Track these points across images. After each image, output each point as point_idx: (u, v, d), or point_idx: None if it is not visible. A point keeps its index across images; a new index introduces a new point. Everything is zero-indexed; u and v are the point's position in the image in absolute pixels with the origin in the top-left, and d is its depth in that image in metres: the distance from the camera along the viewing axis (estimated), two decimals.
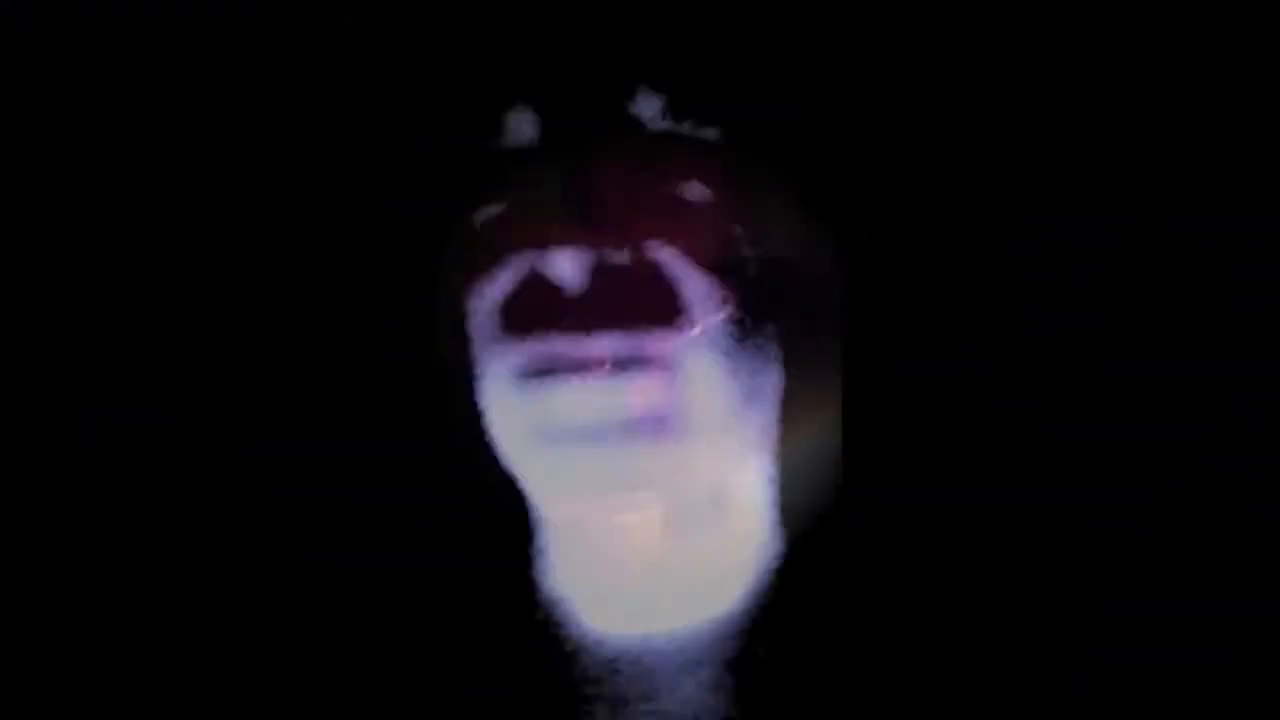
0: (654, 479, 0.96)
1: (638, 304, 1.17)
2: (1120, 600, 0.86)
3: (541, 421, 1.08)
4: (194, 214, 0.87)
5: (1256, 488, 0.85)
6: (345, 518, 0.88)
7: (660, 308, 1.11)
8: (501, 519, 0.93)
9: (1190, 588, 0.85)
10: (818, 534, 0.96)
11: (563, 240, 1.01)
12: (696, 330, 1.12)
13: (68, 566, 0.86)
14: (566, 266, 1.05)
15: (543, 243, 1.03)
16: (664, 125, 1.02)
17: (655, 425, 1.11)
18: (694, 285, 1.11)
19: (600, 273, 1.13)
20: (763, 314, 1.11)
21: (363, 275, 0.89)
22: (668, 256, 1.06)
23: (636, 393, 1.11)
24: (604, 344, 1.15)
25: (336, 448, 0.89)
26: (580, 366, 1.12)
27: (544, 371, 1.08)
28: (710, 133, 1.02)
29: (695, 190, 1.05)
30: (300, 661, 0.85)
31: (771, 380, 1.09)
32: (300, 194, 0.88)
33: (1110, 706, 0.85)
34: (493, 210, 1.05)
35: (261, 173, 0.87)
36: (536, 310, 1.04)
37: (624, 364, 1.12)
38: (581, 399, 1.06)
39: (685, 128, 1.03)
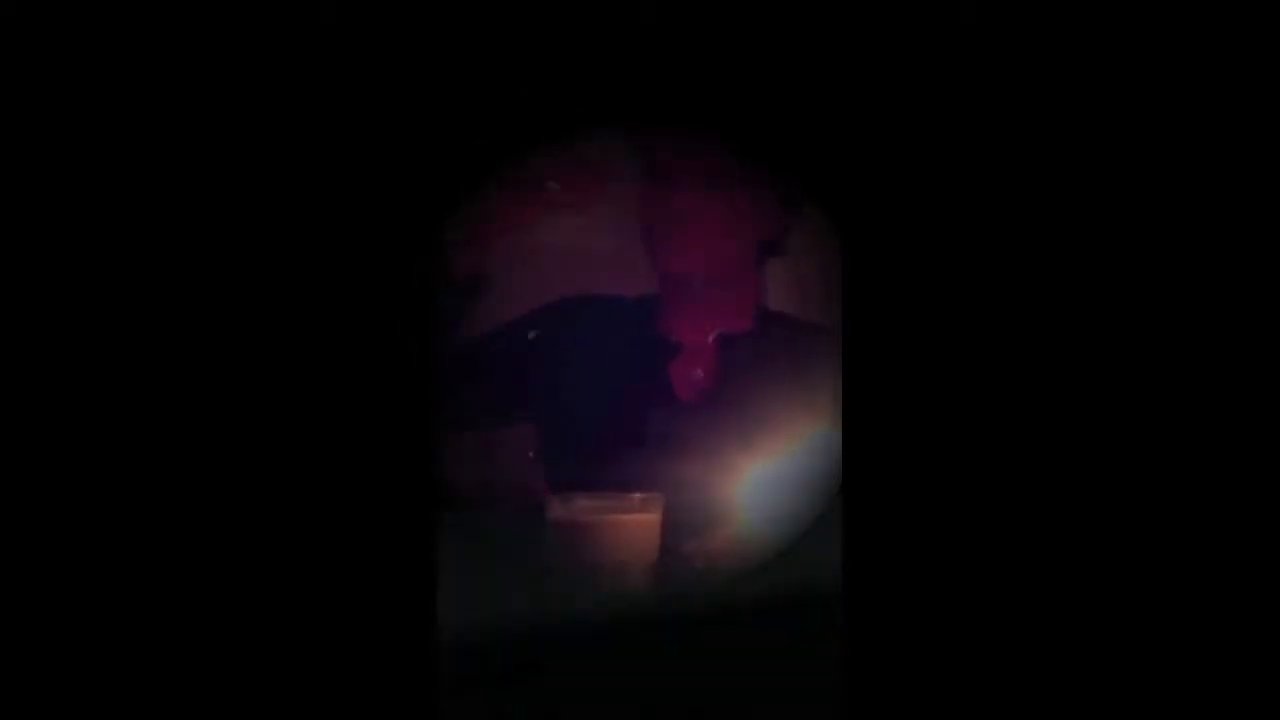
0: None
1: (660, 312, 1.19)
2: (1120, 599, 0.86)
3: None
4: (192, 213, 0.87)
5: (1256, 487, 0.85)
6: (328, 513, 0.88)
7: (681, 314, 1.14)
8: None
9: (1190, 587, 0.85)
10: (817, 534, 0.97)
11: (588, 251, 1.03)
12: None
13: (66, 565, 0.85)
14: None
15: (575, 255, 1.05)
16: (672, 133, 1.03)
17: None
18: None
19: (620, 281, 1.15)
20: (768, 317, 1.13)
21: (364, 276, 0.89)
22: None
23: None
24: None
25: (329, 445, 0.88)
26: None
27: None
28: (715, 137, 1.02)
29: (706, 201, 1.06)
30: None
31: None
32: (308, 195, 0.88)
33: (1110, 706, 0.85)
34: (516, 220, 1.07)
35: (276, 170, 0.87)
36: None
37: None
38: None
39: (694, 135, 1.04)
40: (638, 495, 0.96)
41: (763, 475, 0.99)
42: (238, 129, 0.86)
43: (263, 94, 0.86)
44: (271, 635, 0.86)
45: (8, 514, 0.83)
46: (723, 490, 1.01)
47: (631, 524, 0.95)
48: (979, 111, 0.88)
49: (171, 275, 0.86)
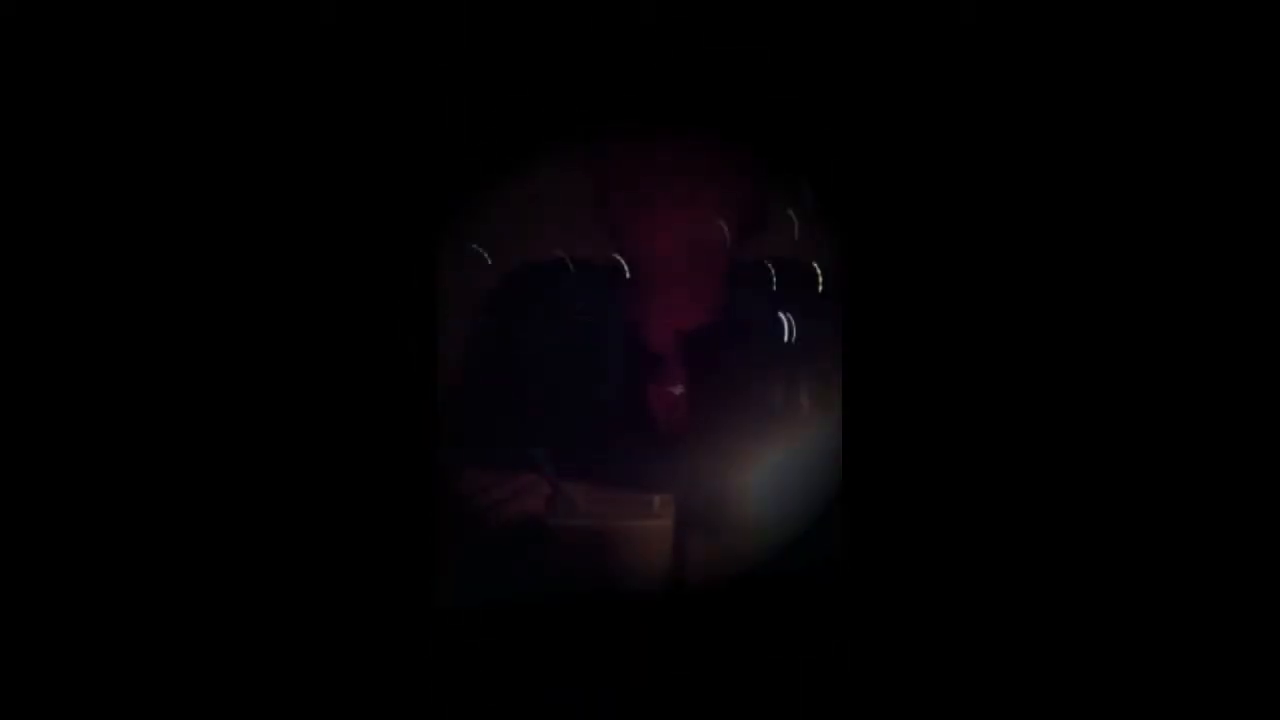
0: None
1: (647, 306, 1.19)
2: (1119, 599, 0.86)
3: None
4: (192, 212, 0.87)
5: (1256, 487, 0.85)
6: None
7: (669, 309, 1.14)
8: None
9: (1190, 587, 0.85)
10: (818, 532, 0.97)
11: (574, 241, 1.02)
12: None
13: (65, 565, 0.85)
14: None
15: (556, 244, 1.04)
16: (669, 126, 1.03)
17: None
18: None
19: (609, 274, 1.15)
20: (766, 313, 1.13)
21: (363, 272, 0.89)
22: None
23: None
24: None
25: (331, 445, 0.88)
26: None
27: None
28: (715, 133, 1.02)
29: (700, 191, 1.06)
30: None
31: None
32: (304, 192, 0.87)
33: (1110, 706, 0.85)
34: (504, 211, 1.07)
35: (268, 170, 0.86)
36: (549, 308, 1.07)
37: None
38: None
39: (690, 128, 1.04)
40: (655, 498, 0.94)
41: (758, 470, 0.99)
42: (238, 130, 0.86)
43: (262, 95, 0.86)
44: (271, 634, 0.86)
45: (9, 499, 0.84)
46: (715, 488, 1.01)
47: (645, 530, 0.92)
48: (979, 110, 0.89)
49: (172, 276, 0.86)
